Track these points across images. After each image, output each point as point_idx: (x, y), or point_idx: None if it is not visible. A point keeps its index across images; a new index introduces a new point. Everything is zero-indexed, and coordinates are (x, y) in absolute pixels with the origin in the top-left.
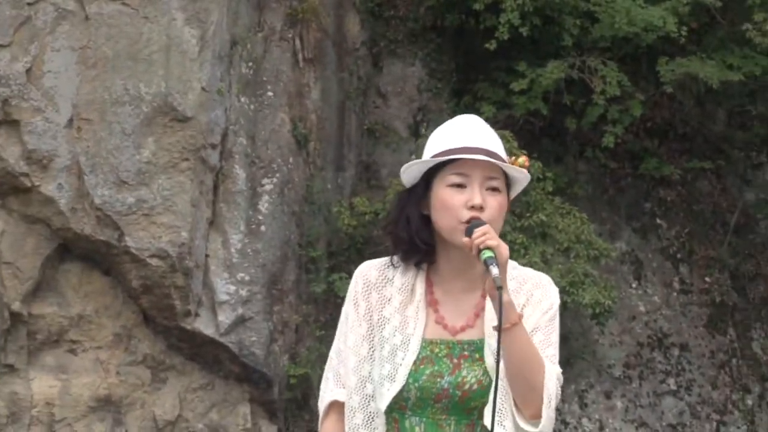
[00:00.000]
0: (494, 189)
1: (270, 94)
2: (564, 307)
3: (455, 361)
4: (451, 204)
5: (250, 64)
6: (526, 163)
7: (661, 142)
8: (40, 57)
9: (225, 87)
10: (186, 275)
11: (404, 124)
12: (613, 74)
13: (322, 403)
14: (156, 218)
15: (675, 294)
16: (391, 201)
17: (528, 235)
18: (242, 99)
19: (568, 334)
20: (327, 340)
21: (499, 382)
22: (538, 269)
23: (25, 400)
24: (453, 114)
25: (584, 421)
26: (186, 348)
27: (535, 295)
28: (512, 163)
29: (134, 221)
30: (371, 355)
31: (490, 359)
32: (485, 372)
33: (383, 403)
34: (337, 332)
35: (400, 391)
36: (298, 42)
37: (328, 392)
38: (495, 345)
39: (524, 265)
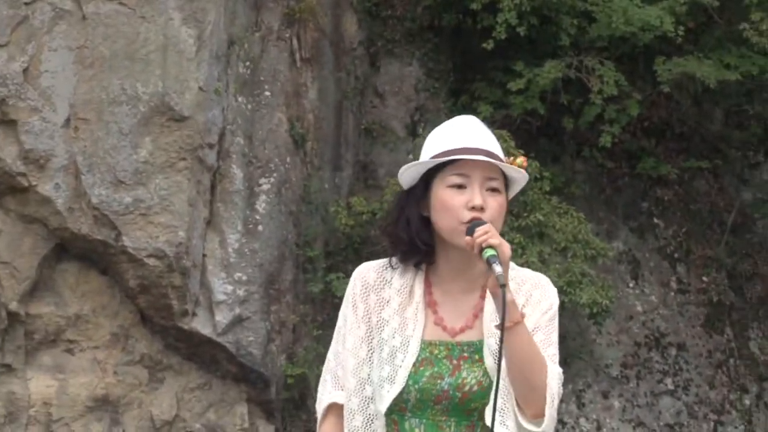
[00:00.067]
0: (494, 189)
1: (267, 93)
2: (561, 307)
3: (455, 362)
4: (451, 205)
5: (248, 63)
6: (525, 163)
7: (658, 142)
8: (37, 57)
9: (222, 87)
10: (183, 275)
11: (401, 123)
12: (611, 74)
13: (320, 405)
14: (153, 218)
15: (672, 293)
16: (388, 201)
17: (525, 234)
18: (239, 99)
19: (565, 333)
20: (324, 340)
21: (501, 382)
22: (536, 269)
23: (23, 400)
24: (450, 114)
25: (582, 420)
26: (183, 348)
27: (534, 296)
28: (510, 163)
29: (131, 221)
30: (370, 357)
31: (489, 360)
32: (485, 373)
33: (383, 405)
34: (335, 334)
35: (400, 393)
36: (295, 42)
37: (326, 394)
38: (495, 346)
39: (521, 264)
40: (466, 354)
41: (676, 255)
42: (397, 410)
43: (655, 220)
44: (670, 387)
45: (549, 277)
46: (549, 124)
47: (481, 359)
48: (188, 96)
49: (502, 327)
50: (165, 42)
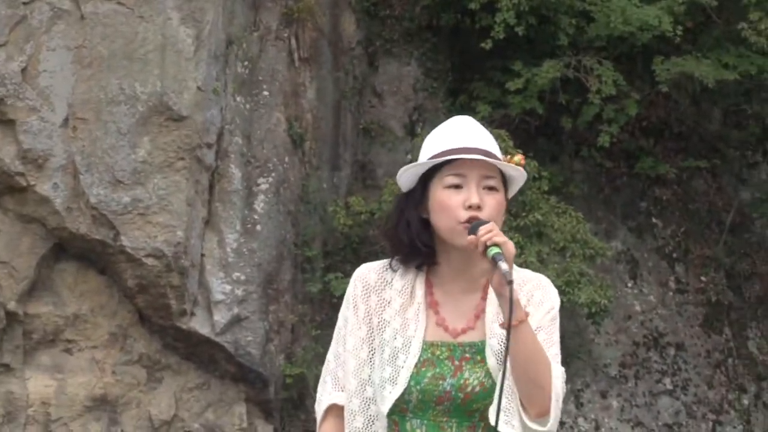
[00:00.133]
0: (491, 188)
1: (266, 93)
2: (560, 307)
3: (457, 363)
4: (448, 205)
5: (246, 63)
6: (522, 161)
7: (656, 142)
8: (35, 56)
9: (221, 86)
10: (182, 275)
11: (400, 123)
12: (609, 73)
13: (320, 407)
14: (151, 217)
15: (671, 293)
16: (386, 201)
17: (524, 234)
18: (238, 98)
19: (563, 333)
20: (323, 340)
21: (506, 381)
22: (534, 269)
23: (21, 400)
24: (449, 113)
25: (580, 420)
26: (182, 347)
27: (536, 296)
28: (508, 161)
29: (130, 221)
30: (371, 358)
31: (492, 361)
32: (487, 374)
33: (385, 406)
34: (335, 335)
35: (402, 394)
36: (293, 41)
37: (325, 395)
38: (497, 346)
39: (520, 264)
40: (468, 355)
41: (674, 255)
42: (398, 411)
43: (654, 220)
44: (669, 387)
45: (547, 276)
46: (547, 124)
47: (483, 360)
48: (186, 96)
49: (509, 324)
50: (163, 42)
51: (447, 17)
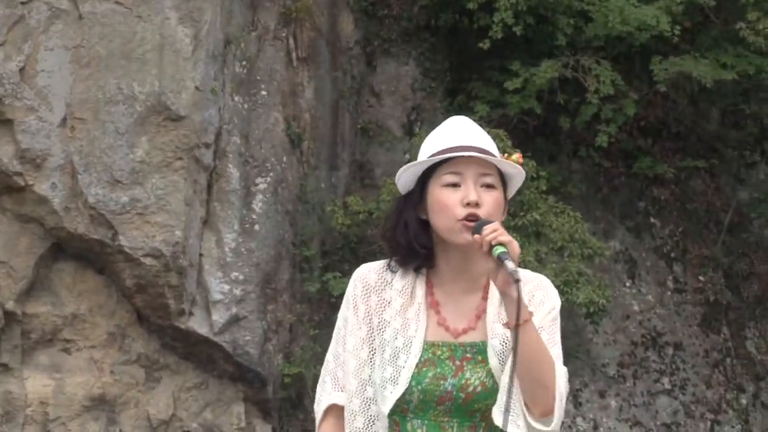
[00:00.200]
0: (489, 185)
1: (264, 93)
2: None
3: (458, 363)
4: (446, 203)
5: (244, 63)
6: (520, 159)
7: (654, 141)
8: (33, 56)
9: (218, 86)
10: (180, 274)
11: (398, 123)
12: (607, 73)
13: (319, 407)
14: (150, 217)
15: (669, 293)
16: (384, 200)
17: (522, 234)
18: (236, 98)
19: (562, 333)
20: (321, 339)
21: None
22: (532, 268)
23: (19, 400)
24: (447, 113)
25: (578, 420)
26: (180, 347)
27: (537, 296)
28: (506, 159)
29: (128, 220)
30: (371, 358)
31: (494, 361)
32: (488, 374)
33: (386, 406)
34: (335, 335)
35: (403, 394)
36: (291, 41)
37: (325, 395)
38: (499, 346)
39: (518, 264)
40: (469, 355)
41: (672, 254)
42: (399, 411)
43: (652, 220)
44: (667, 386)
45: (545, 276)
46: (545, 124)
47: (485, 360)
48: (185, 95)
49: (516, 323)
50: (161, 41)
51: (445, 17)
